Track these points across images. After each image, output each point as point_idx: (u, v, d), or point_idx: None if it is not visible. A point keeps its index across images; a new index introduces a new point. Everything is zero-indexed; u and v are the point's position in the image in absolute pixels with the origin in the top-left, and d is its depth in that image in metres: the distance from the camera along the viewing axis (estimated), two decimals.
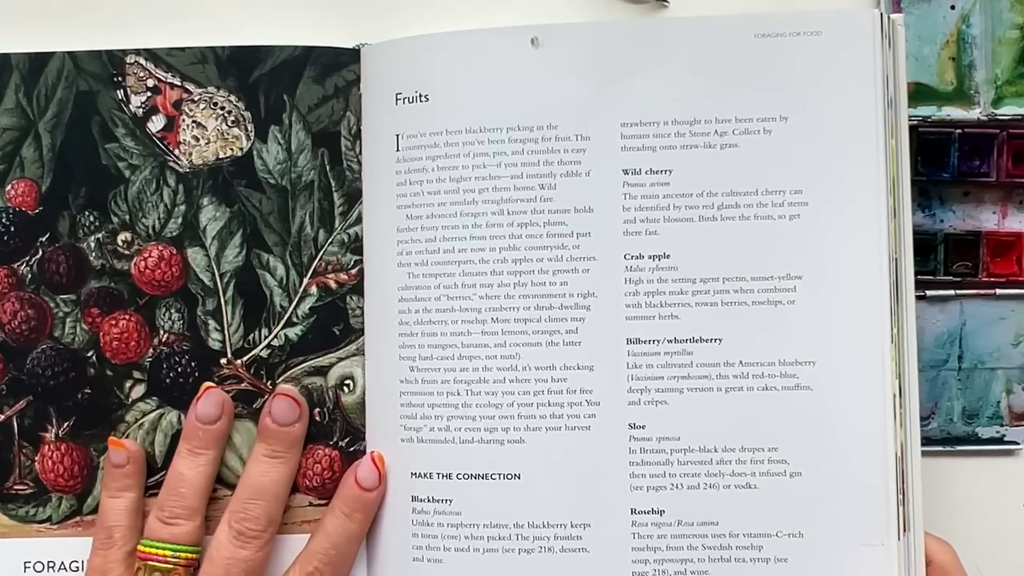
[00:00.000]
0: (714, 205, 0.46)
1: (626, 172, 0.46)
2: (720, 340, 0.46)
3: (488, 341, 0.46)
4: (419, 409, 0.47)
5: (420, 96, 0.48)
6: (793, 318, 0.45)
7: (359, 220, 0.49)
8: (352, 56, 0.49)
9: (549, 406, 0.46)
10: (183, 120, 0.48)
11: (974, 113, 0.50)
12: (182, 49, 0.48)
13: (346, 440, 0.48)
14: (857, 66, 0.45)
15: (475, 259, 0.47)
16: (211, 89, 0.48)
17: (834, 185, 0.45)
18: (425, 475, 0.47)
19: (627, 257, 0.46)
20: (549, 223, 0.46)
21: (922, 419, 0.50)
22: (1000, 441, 0.51)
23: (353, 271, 0.49)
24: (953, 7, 0.50)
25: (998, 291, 0.50)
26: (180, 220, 0.47)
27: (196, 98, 0.48)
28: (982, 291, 0.50)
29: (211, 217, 0.47)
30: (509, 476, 0.46)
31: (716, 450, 0.45)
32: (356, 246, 0.49)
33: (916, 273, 0.47)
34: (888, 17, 0.45)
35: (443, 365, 0.47)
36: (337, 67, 0.49)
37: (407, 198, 0.48)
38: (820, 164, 0.45)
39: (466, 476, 0.46)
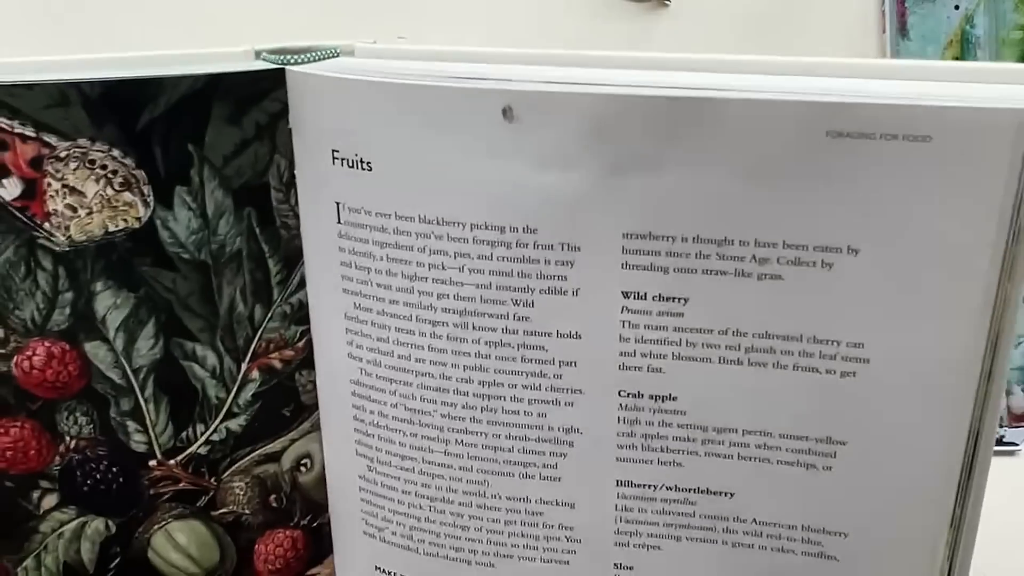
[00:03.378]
0: (740, 347, 0.34)
1: (626, 295, 0.35)
2: (731, 494, 0.37)
3: (452, 463, 0.39)
4: (380, 511, 0.41)
5: (361, 162, 0.36)
6: (827, 486, 0.36)
7: (302, 284, 0.40)
8: (274, 80, 0.36)
9: (523, 536, 0.40)
10: (49, 184, 0.36)
11: None
12: (30, 87, 0.35)
13: (308, 518, 0.44)
14: (980, 190, 0.30)
15: (435, 373, 0.38)
16: (82, 142, 0.36)
17: (911, 342, 0.33)
18: (389, 573, 0.43)
19: (622, 394, 0.36)
20: (524, 346, 0.36)
21: None
22: (999, 442, 0.51)
23: (300, 344, 0.41)
24: (957, 7, 0.48)
25: None
26: (68, 310, 0.38)
27: (62, 155, 0.36)
28: None
29: (110, 305, 0.38)
30: None
31: None
32: (301, 315, 0.40)
33: None
34: None
35: (403, 476, 0.40)
36: (256, 98, 0.36)
37: (354, 283, 0.38)
38: (896, 314, 0.33)
39: None
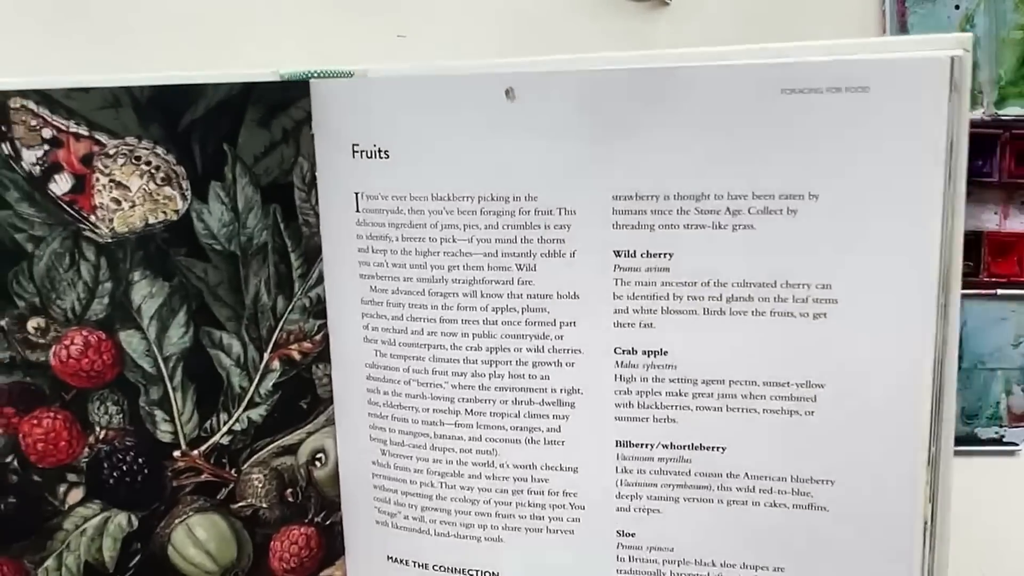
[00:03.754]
0: (722, 297, 0.38)
1: (618, 254, 0.39)
2: (723, 449, 0.40)
3: (462, 434, 0.42)
4: (392, 495, 0.43)
5: (379, 152, 0.40)
6: (811, 431, 0.39)
7: (320, 280, 0.43)
8: (300, 90, 0.41)
9: (529, 506, 0.42)
10: (97, 179, 0.41)
11: (977, 113, 0.49)
12: (86, 90, 0.40)
13: (322, 515, 0.45)
14: (915, 131, 0.35)
15: (446, 344, 0.41)
16: (130, 140, 0.41)
17: (872, 279, 0.37)
18: (401, 561, 0.44)
19: (618, 351, 0.40)
20: (528, 309, 0.40)
21: None
22: (999, 442, 0.51)
23: (317, 337, 0.44)
24: (957, 7, 0.49)
25: (999, 291, 0.50)
26: (107, 299, 0.41)
27: (111, 151, 0.41)
28: (983, 291, 0.50)
29: (146, 294, 0.42)
30: (487, 574, 0.43)
31: (715, 565, 0.41)
32: (319, 309, 0.43)
33: None
34: (958, 60, 0.35)
35: (415, 454, 0.43)
36: (283, 105, 0.41)
37: (370, 267, 0.42)
38: (856, 254, 0.37)
39: (443, 568, 0.43)
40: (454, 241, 0.40)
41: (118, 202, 0.41)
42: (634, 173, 0.38)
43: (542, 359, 0.40)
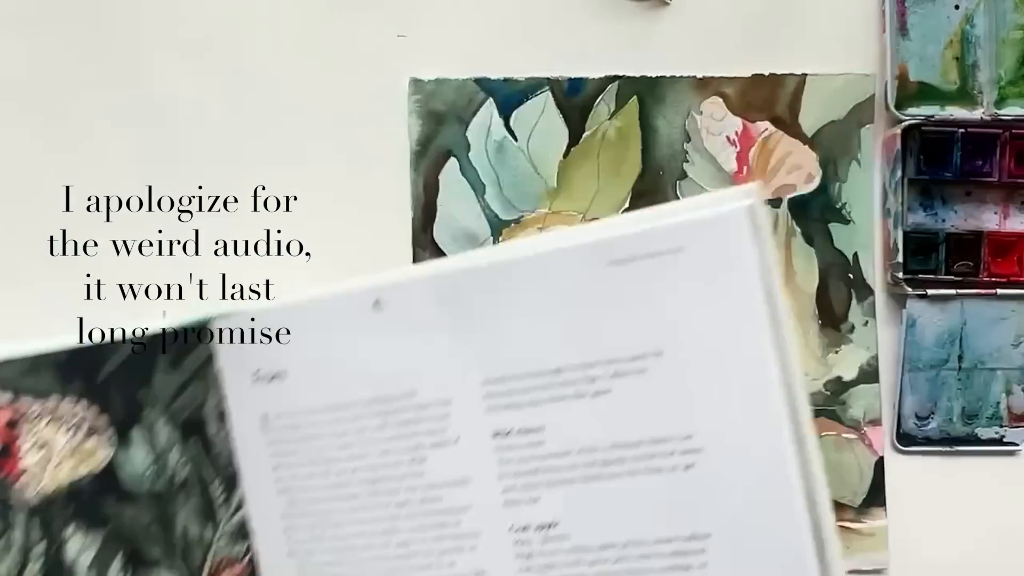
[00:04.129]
0: (597, 462, 0.40)
1: (495, 435, 0.41)
2: None
3: None
4: None
5: (277, 375, 0.44)
6: None
7: (241, 505, 0.46)
8: (202, 331, 0.46)
9: None
10: (22, 443, 0.44)
11: (977, 113, 0.50)
12: (8, 361, 0.44)
13: None
14: (731, 278, 0.38)
15: (359, 545, 0.43)
16: (52, 399, 0.45)
17: (728, 422, 0.39)
18: None
19: (513, 530, 0.41)
20: (425, 500, 0.42)
21: (921, 419, 0.51)
22: (999, 442, 0.51)
23: (245, 561, 0.46)
24: (957, 7, 0.49)
25: (999, 291, 0.50)
26: (40, 562, 0.43)
27: (35, 414, 0.44)
28: (983, 291, 0.50)
29: (80, 547, 0.44)
30: None
31: None
32: (243, 532, 0.46)
33: (917, 272, 0.49)
34: (753, 207, 0.38)
35: None
36: (191, 346, 0.46)
37: (285, 482, 0.44)
38: (708, 399, 0.39)
39: None
40: (352, 446, 0.43)
41: (45, 462, 0.45)
42: (496, 358, 0.41)
43: (446, 547, 0.42)
